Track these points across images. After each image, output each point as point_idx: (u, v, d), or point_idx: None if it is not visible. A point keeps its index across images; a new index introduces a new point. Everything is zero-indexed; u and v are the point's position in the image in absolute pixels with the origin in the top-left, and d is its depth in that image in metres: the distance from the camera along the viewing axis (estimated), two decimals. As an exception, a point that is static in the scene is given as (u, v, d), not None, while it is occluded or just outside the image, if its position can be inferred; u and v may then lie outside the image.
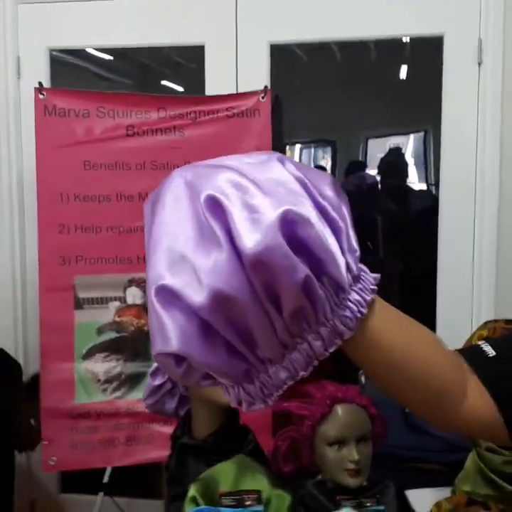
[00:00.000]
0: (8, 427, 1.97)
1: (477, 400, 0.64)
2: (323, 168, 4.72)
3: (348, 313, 0.52)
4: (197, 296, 0.48)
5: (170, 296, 0.50)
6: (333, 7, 2.27)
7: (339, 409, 1.36)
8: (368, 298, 0.53)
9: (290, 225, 0.48)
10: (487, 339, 0.72)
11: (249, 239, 0.47)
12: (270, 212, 0.47)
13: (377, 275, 0.56)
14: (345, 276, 0.51)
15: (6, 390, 1.96)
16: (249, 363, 0.52)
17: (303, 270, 0.48)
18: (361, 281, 0.53)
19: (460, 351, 0.68)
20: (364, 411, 1.37)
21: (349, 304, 0.52)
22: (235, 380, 0.54)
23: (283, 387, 0.55)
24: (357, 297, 0.53)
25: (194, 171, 0.54)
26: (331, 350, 0.53)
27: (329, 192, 0.52)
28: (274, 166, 0.52)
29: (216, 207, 0.49)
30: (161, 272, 0.51)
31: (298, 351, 0.52)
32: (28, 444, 2.14)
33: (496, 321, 1.52)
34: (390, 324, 0.58)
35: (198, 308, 0.49)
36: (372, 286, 0.54)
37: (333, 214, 0.51)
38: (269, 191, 0.49)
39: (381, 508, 1.33)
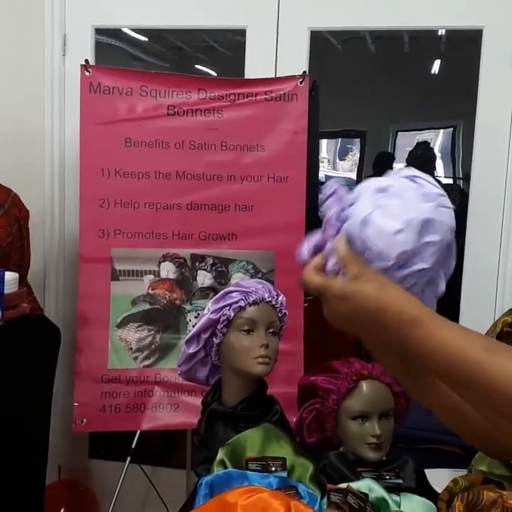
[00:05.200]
0: (49, 388, 2.06)
1: None
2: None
3: None
4: None
5: None
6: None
7: (364, 385, 1.41)
8: None
9: None
10: None
11: None
12: None
13: None
14: None
15: (48, 353, 2.06)
16: None
17: None
18: None
19: None
20: (388, 388, 1.43)
21: None
22: None
23: None
24: None
25: None
26: None
27: None
28: None
29: None
30: None
31: None
32: None
33: (521, 308, 1.56)
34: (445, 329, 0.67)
35: None
36: None
37: None
38: None
39: (400, 481, 1.39)
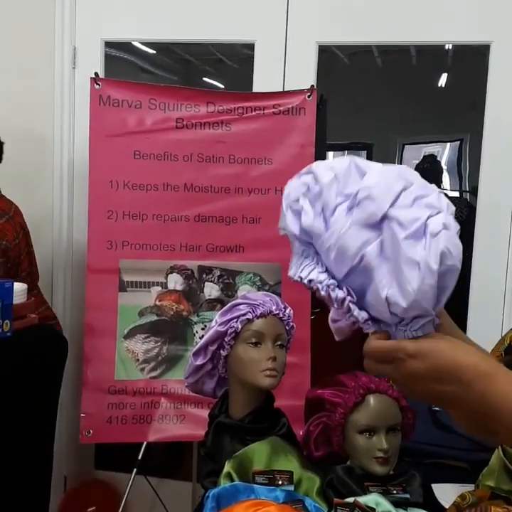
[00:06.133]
0: (53, 400, 2.07)
1: None
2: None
3: None
4: None
5: None
6: (384, 11, 2.31)
7: (371, 399, 1.41)
8: None
9: None
10: None
11: None
12: None
13: None
14: None
15: (54, 364, 2.07)
16: None
17: None
18: None
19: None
20: (395, 402, 1.42)
21: None
22: None
23: None
24: None
25: None
26: None
27: None
28: None
29: None
30: None
31: None
32: None
33: (529, 323, 1.55)
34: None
35: None
36: None
37: None
38: None
39: (407, 496, 1.38)
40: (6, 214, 2.09)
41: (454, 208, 0.70)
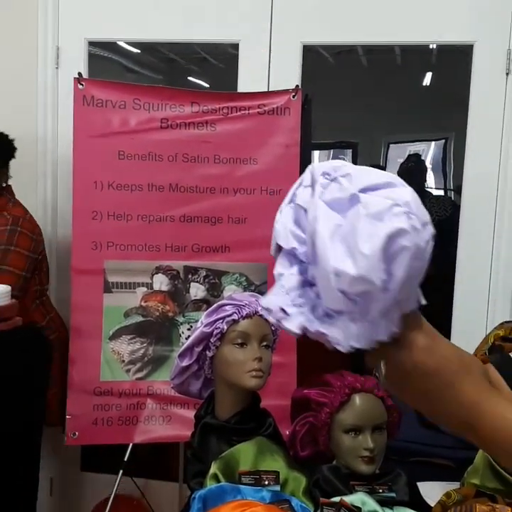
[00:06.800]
0: (39, 402, 2.05)
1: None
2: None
3: None
4: None
5: None
6: (368, 11, 2.32)
7: (357, 399, 1.42)
8: None
9: None
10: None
11: None
12: None
13: None
14: None
15: (40, 366, 2.06)
16: None
17: None
18: None
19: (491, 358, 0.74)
20: (381, 402, 1.43)
21: None
22: None
23: None
24: None
25: None
26: None
27: None
28: None
29: None
30: None
31: None
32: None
33: (512, 322, 1.57)
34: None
35: None
36: None
37: None
38: None
39: (392, 494, 1.39)
40: (27, 212, 2.21)
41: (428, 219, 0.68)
